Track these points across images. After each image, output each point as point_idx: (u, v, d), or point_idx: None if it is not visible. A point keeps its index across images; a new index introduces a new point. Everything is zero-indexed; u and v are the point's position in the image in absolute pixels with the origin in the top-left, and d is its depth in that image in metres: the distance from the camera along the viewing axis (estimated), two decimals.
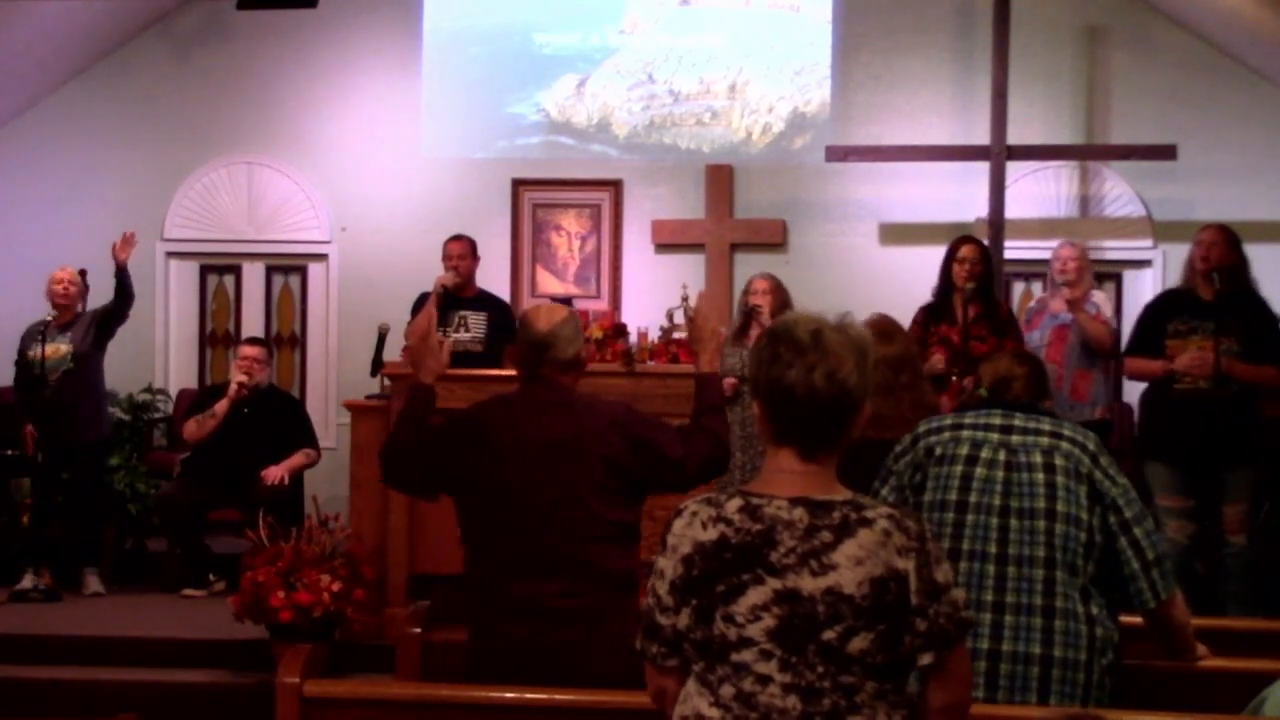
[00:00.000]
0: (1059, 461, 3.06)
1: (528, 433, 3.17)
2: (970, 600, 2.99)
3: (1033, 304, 6.59)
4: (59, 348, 6.52)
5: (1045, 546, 3.00)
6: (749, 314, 6.15)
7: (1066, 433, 3.13)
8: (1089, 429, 3.26)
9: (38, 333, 6.54)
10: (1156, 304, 5.90)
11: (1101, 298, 6.53)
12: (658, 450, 3.18)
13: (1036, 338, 6.11)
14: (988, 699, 2.95)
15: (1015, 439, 3.12)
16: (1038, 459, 3.07)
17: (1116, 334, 6.24)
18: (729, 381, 6.03)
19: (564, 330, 3.24)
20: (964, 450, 3.13)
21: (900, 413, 3.61)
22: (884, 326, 3.78)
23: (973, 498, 3.07)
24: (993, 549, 3.03)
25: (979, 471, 3.09)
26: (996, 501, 3.05)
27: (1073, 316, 6.08)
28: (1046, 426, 3.14)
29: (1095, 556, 3.02)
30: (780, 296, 6.15)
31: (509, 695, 2.93)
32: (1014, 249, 7.36)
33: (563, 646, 3.07)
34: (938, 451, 3.15)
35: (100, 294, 6.85)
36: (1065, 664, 2.96)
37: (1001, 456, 3.09)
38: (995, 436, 3.13)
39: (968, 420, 3.19)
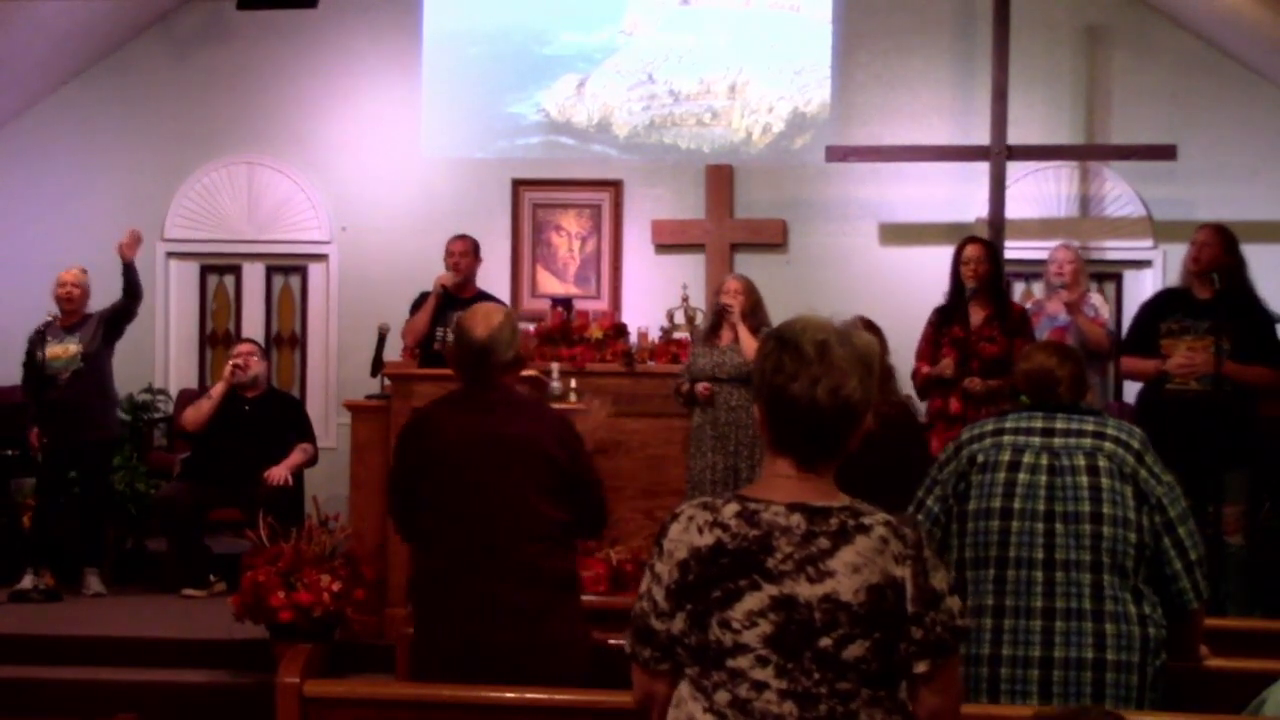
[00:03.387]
0: (1102, 463, 3.03)
1: (472, 431, 3.20)
2: (1020, 608, 3.00)
3: (1029, 306, 6.58)
4: (68, 348, 6.53)
5: (1091, 550, 2.98)
6: (720, 313, 6.13)
7: (1110, 431, 3.10)
8: None
9: (45, 333, 6.56)
10: (1151, 303, 5.88)
11: (1099, 300, 6.53)
12: (587, 475, 3.29)
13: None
14: (1042, 706, 2.92)
15: (1057, 442, 3.09)
16: (1081, 461, 3.04)
17: (1114, 336, 6.24)
18: (702, 386, 5.99)
19: (502, 334, 3.27)
20: (1006, 456, 3.10)
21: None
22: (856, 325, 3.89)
23: (1017, 504, 3.05)
24: (1039, 555, 3.01)
25: (1022, 477, 3.06)
26: (1041, 507, 3.03)
27: (1071, 319, 6.08)
28: (1089, 427, 3.11)
29: (1147, 557, 3.00)
30: (751, 297, 6.12)
31: (509, 695, 2.92)
32: (1014, 249, 7.35)
33: (505, 645, 3.10)
34: (980, 459, 3.13)
35: (100, 293, 6.84)
36: (1119, 667, 2.95)
37: (1044, 461, 3.07)
38: (1037, 441, 3.11)
39: (1009, 425, 3.17)
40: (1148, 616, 2.98)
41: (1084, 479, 3.02)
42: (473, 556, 3.14)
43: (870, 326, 3.97)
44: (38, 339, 6.57)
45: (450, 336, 6.35)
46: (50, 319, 6.59)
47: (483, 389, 3.28)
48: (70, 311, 6.63)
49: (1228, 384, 5.38)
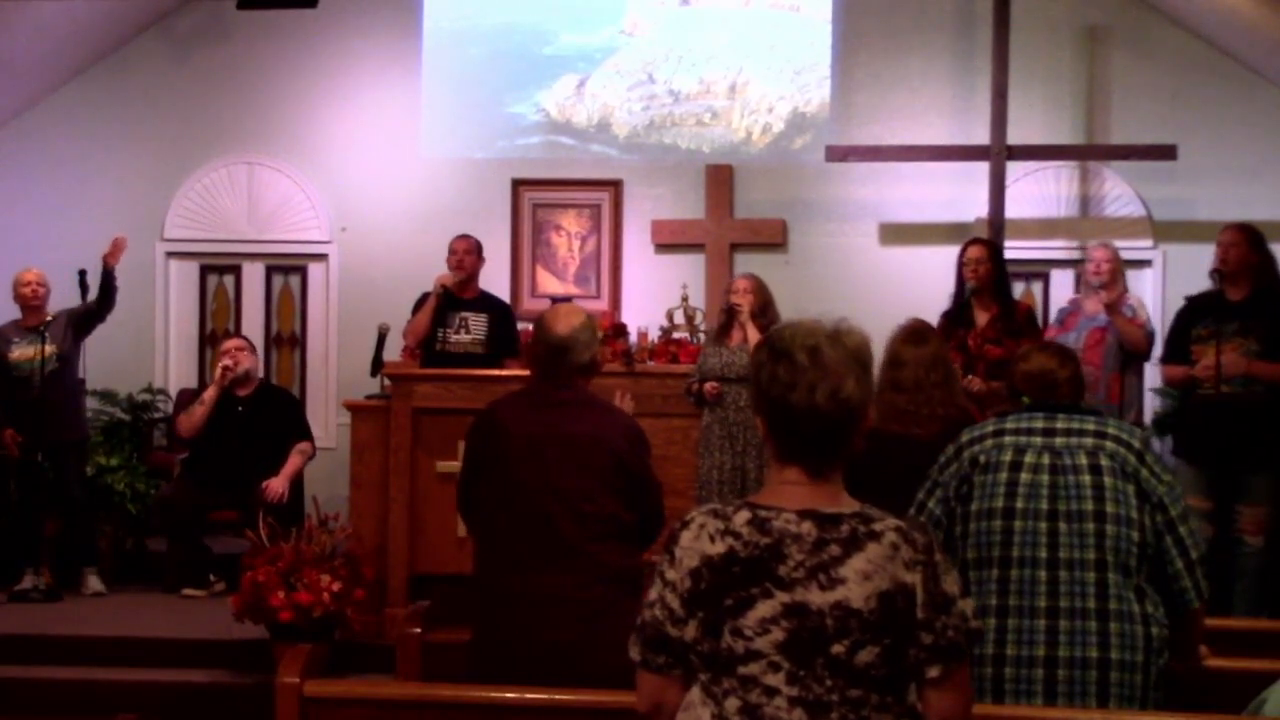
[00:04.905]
0: (1104, 462, 3.03)
1: (543, 428, 3.21)
2: (1024, 607, 2.99)
3: (1065, 305, 6.56)
4: (44, 348, 6.49)
5: (1096, 549, 2.97)
6: (729, 313, 6.12)
7: (1111, 431, 3.10)
8: None
9: (16, 334, 6.56)
10: (1185, 310, 5.84)
11: (1137, 300, 6.50)
12: (649, 480, 3.33)
13: (1073, 339, 6.01)
14: (1047, 706, 2.94)
15: (1059, 441, 3.09)
16: (1083, 460, 3.04)
17: (1152, 336, 6.21)
18: (710, 385, 5.99)
19: (582, 335, 3.32)
20: (1008, 457, 3.10)
21: (931, 410, 3.69)
22: (917, 329, 3.95)
23: (1019, 504, 3.04)
24: (1043, 554, 3.00)
25: (1024, 477, 3.06)
26: (1044, 506, 3.02)
27: (1109, 319, 6.06)
28: (1090, 426, 3.11)
29: (1149, 555, 3.00)
30: (761, 296, 6.11)
31: (509, 695, 2.92)
32: (1014, 249, 7.35)
33: (566, 641, 3.10)
34: (982, 460, 3.12)
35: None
36: (1123, 666, 2.94)
37: (1046, 460, 3.06)
38: (1038, 440, 3.10)
39: (1009, 426, 3.16)
40: (1151, 615, 2.98)
41: (1086, 478, 3.02)
42: (538, 553, 3.16)
43: (924, 331, 3.96)
44: (6, 340, 6.56)
45: (451, 336, 6.39)
46: (50, 318, 6.57)
47: (554, 387, 3.31)
48: (35, 310, 6.60)
49: (1259, 385, 5.37)
